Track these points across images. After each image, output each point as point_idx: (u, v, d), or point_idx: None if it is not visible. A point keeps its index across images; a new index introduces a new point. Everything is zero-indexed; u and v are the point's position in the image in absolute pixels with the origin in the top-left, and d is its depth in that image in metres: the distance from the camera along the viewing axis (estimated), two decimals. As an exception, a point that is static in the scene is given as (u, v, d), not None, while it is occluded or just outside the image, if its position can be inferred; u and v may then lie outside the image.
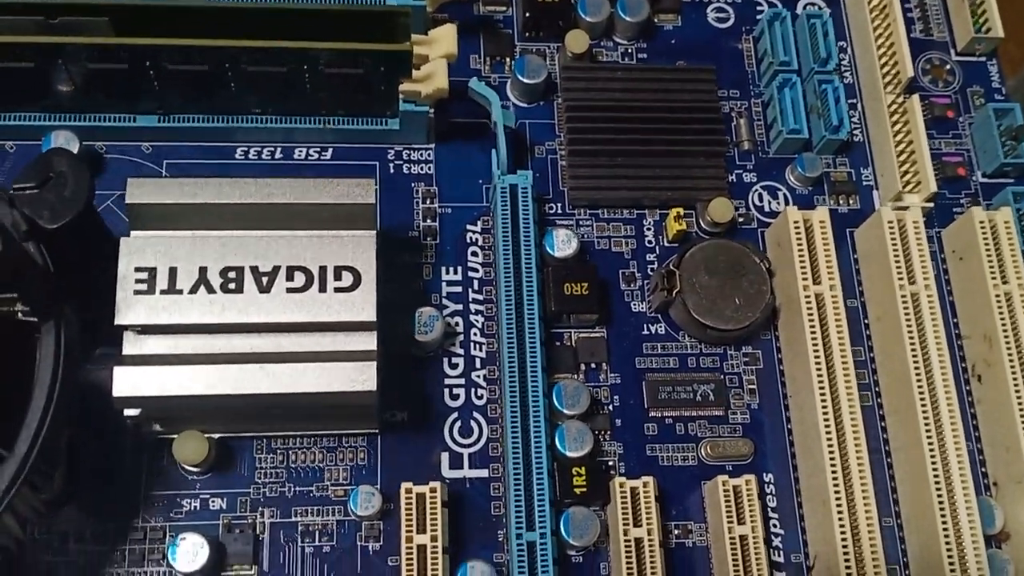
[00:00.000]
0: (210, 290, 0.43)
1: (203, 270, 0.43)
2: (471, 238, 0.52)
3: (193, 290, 0.42)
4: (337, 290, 0.43)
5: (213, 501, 0.46)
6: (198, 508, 0.46)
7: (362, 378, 0.42)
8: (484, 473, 0.48)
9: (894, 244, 0.50)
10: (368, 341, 0.44)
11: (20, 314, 0.41)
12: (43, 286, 0.40)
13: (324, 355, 0.43)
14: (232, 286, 0.43)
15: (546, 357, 0.48)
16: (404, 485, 0.45)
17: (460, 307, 0.51)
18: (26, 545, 0.44)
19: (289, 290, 0.43)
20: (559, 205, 0.54)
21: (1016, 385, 0.48)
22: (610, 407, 0.50)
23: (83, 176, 0.41)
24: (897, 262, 0.50)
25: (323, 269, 0.43)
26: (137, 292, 0.42)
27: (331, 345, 0.43)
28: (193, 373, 0.42)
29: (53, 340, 0.40)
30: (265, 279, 0.43)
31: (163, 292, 0.42)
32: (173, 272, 0.42)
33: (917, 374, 0.48)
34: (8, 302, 0.41)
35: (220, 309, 0.42)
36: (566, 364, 0.50)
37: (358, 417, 0.46)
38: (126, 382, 0.41)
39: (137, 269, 0.42)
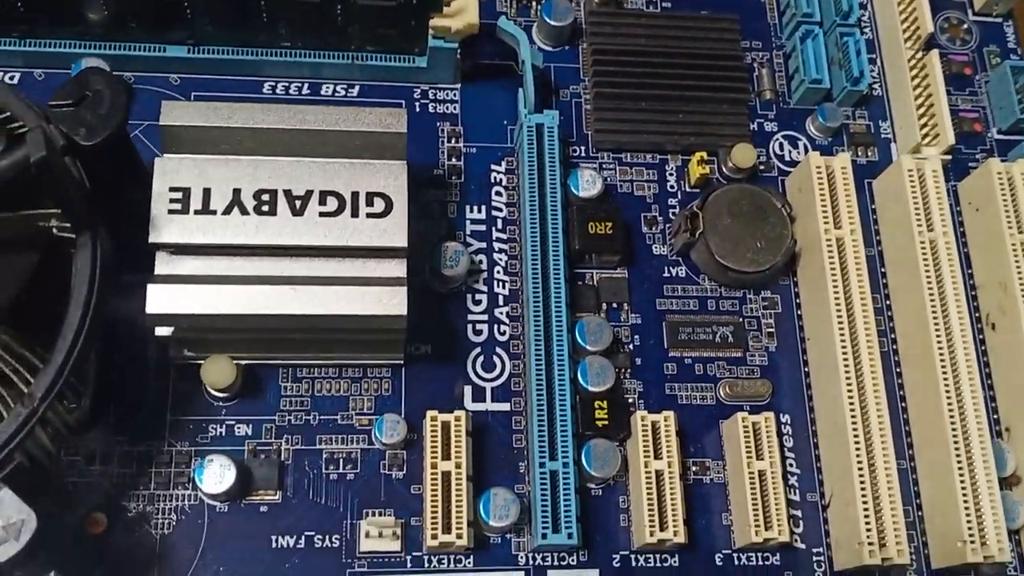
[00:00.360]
0: (244, 212, 0.43)
1: (237, 192, 0.43)
2: (495, 178, 0.53)
3: (227, 211, 0.43)
4: (369, 215, 0.44)
5: (239, 427, 0.46)
6: (223, 434, 0.46)
7: (393, 302, 0.43)
8: (506, 407, 0.48)
9: (913, 191, 0.51)
10: (398, 268, 0.44)
11: (56, 230, 0.41)
12: (80, 200, 0.40)
13: (354, 280, 0.43)
14: (265, 208, 0.43)
15: (569, 295, 0.49)
16: (429, 413, 0.45)
17: (484, 245, 0.51)
18: (55, 461, 0.44)
19: (322, 214, 0.43)
20: (583, 148, 0.54)
21: (1031, 331, 0.49)
22: (630, 346, 0.50)
23: (119, 95, 0.41)
24: (916, 209, 0.51)
25: (355, 195, 0.44)
26: (171, 212, 0.42)
27: (362, 270, 0.44)
28: (225, 292, 0.42)
29: (89, 254, 0.40)
30: (298, 202, 0.43)
31: (197, 212, 0.42)
32: (207, 193, 0.43)
33: (935, 319, 0.49)
34: (45, 217, 0.41)
35: (253, 231, 0.43)
36: (588, 303, 0.51)
37: (385, 345, 0.47)
38: (159, 299, 0.42)
39: (171, 189, 0.43)
